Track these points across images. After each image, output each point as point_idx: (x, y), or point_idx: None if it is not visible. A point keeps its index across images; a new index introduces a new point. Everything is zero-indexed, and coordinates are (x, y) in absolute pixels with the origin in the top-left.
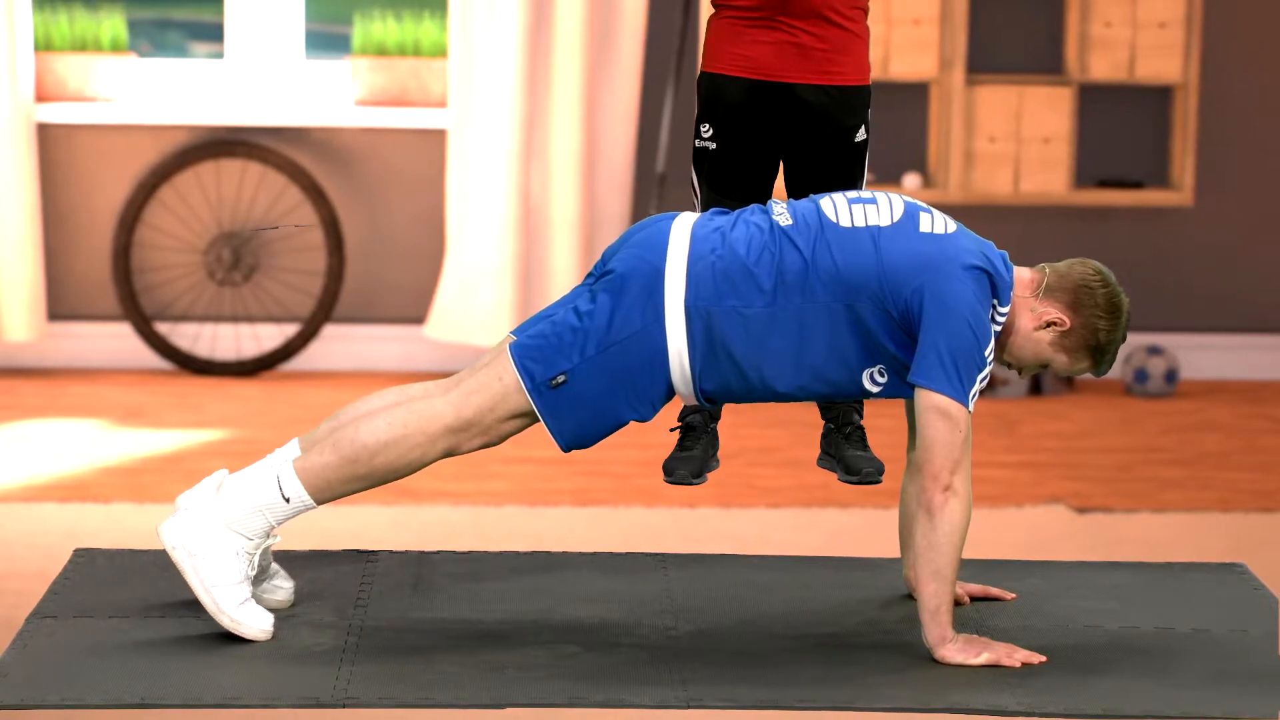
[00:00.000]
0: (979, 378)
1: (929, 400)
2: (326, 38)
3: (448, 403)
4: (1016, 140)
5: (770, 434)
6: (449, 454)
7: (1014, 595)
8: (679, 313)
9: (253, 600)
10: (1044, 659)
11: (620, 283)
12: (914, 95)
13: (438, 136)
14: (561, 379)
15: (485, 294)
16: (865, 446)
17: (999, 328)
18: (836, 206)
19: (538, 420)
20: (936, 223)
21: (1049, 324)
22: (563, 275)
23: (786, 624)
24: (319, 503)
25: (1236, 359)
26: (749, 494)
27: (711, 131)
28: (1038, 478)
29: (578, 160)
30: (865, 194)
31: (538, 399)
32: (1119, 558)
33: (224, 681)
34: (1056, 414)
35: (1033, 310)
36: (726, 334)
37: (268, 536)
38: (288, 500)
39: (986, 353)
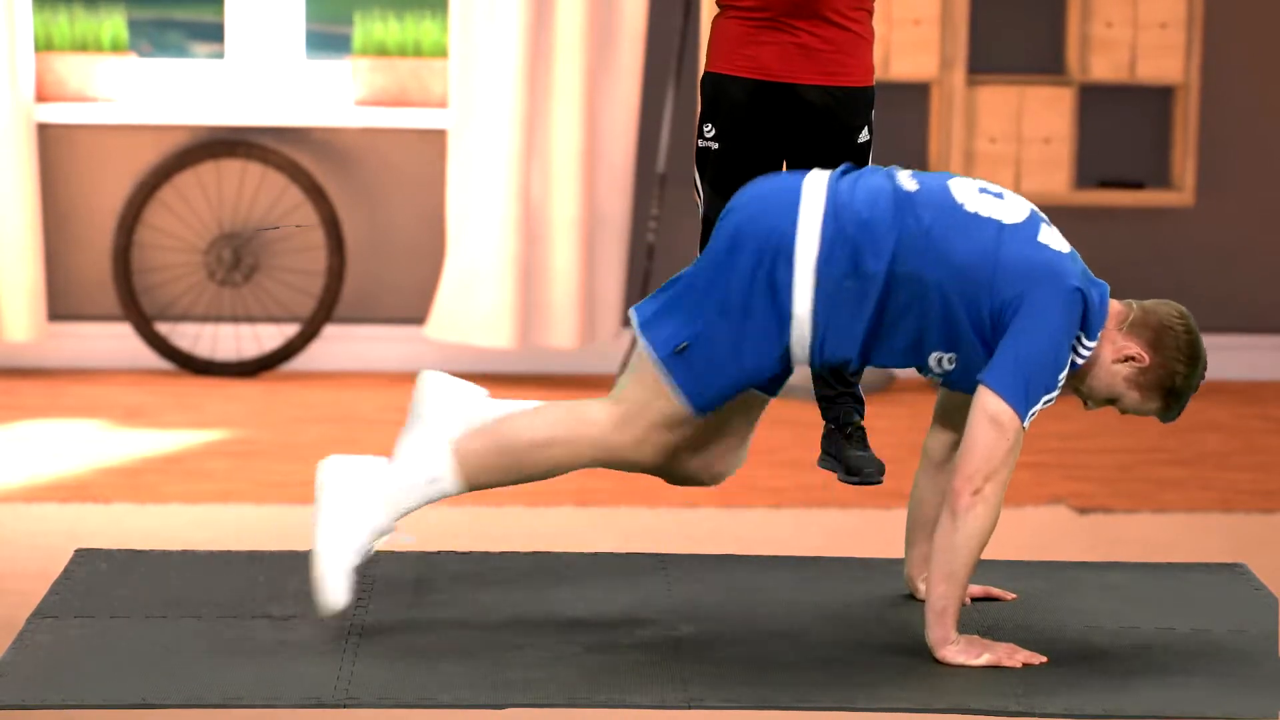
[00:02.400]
0: (1044, 398)
1: (989, 403)
2: (327, 38)
3: (602, 407)
4: (1017, 140)
5: (771, 434)
6: (599, 463)
7: (1014, 595)
8: (808, 278)
9: (350, 576)
10: (1044, 659)
11: (740, 243)
12: (914, 95)
13: (438, 137)
14: (684, 345)
15: (486, 294)
16: (866, 447)
17: (1079, 360)
18: (965, 190)
19: (687, 424)
20: (1054, 238)
21: (1128, 358)
22: (563, 275)
23: (787, 624)
24: (465, 486)
25: (1237, 359)
26: (749, 494)
27: (714, 131)
28: (1039, 478)
29: (578, 160)
30: (993, 187)
31: (665, 367)
32: (1120, 558)
33: (225, 681)
34: (1058, 414)
35: (1114, 343)
36: (849, 300)
37: (397, 526)
38: (435, 480)
39: (1060, 378)
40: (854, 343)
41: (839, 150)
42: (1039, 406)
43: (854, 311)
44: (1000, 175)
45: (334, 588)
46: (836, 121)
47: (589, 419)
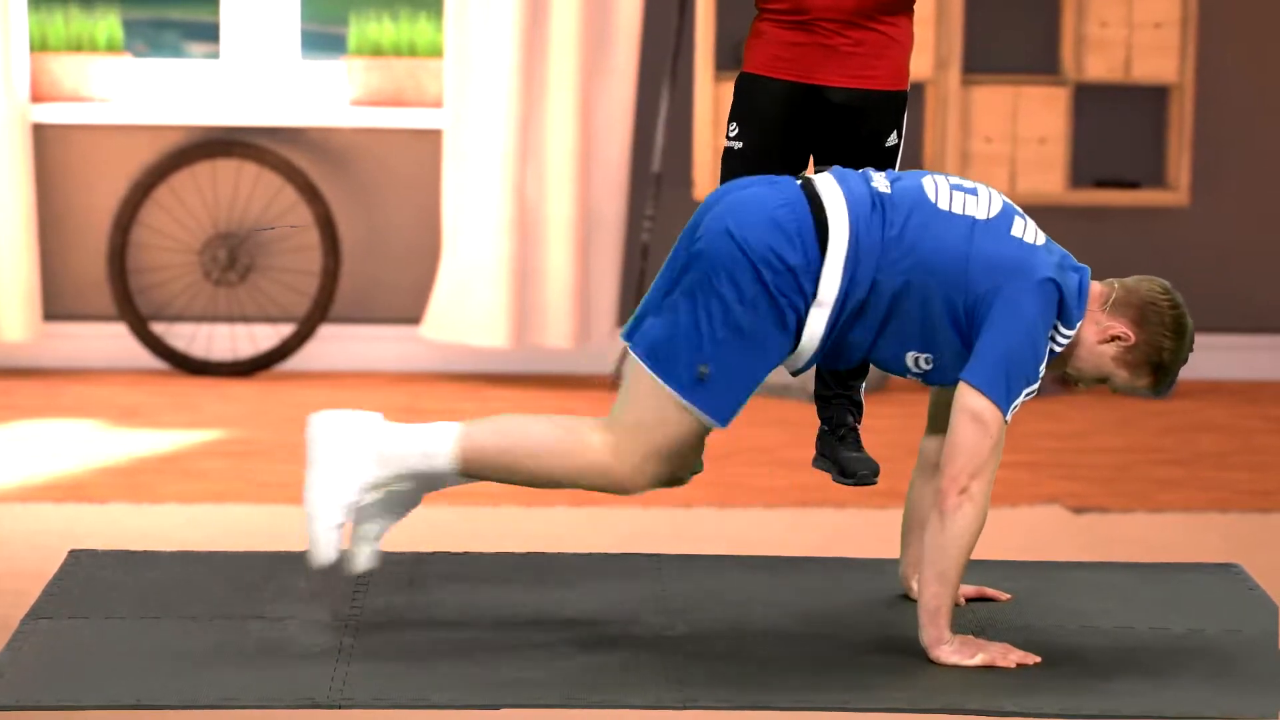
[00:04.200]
0: (1025, 391)
1: (969, 401)
2: (322, 38)
3: (601, 437)
4: (1012, 140)
5: (766, 434)
6: (593, 488)
7: (1009, 596)
8: (828, 306)
9: (339, 531)
10: (1039, 660)
11: (744, 258)
12: (910, 95)
13: (433, 137)
14: (705, 370)
15: (481, 294)
16: (860, 448)
17: (1058, 348)
18: (938, 188)
19: (687, 453)
20: (1028, 230)
21: (1114, 338)
22: (558, 275)
23: (782, 624)
24: (461, 474)
25: (1233, 359)
26: (744, 494)
27: (737, 130)
28: (1034, 478)
29: (573, 160)
30: (967, 183)
31: (691, 396)
32: (1116, 558)
33: (220, 682)
34: (1053, 414)
35: (1099, 324)
36: (852, 313)
37: (397, 483)
38: (432, 455)
39: (1039, 369)
40: (849, 353)
41: (865, 153)
42: (1020, 400)
43: (850, 322)
44: (995, 175)
45: (324, 542)
46: (863, 124)
47: (591, 445)
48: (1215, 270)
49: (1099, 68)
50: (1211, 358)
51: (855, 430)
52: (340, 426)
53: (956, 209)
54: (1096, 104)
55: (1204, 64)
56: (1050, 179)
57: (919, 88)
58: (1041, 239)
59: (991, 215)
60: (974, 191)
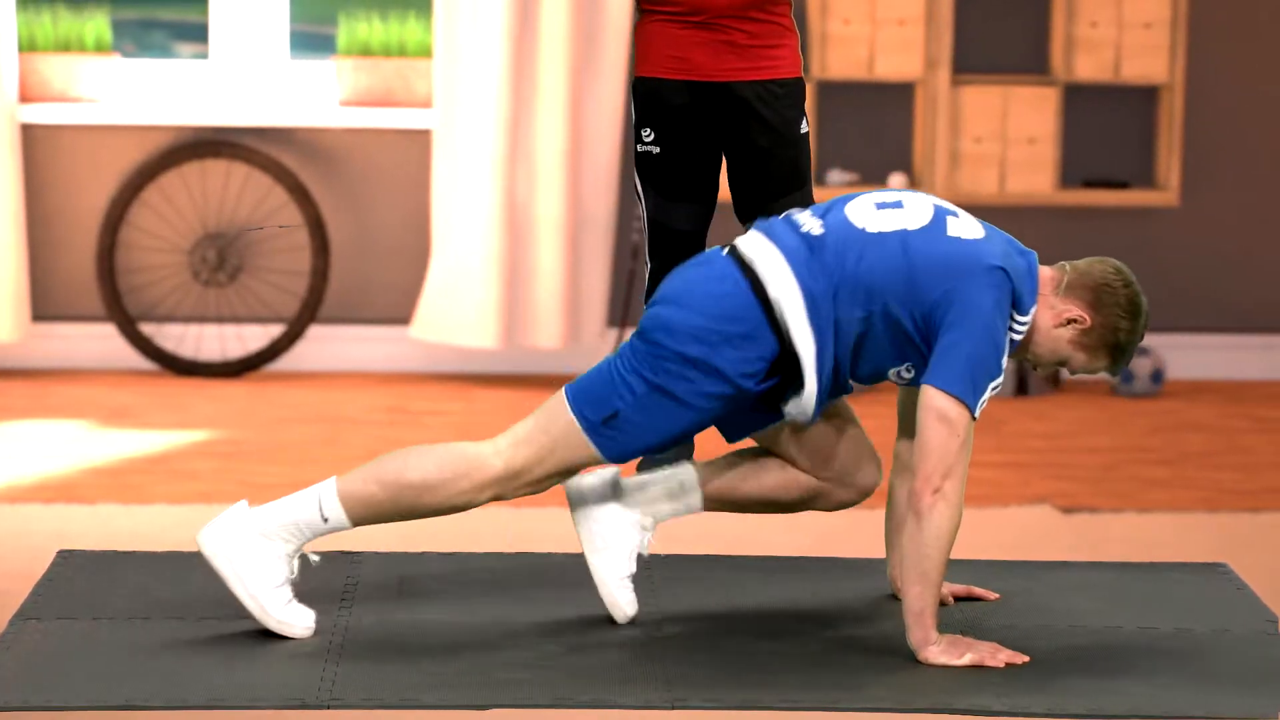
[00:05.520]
0: (991, 385)
1: (934, 401)
2: (311, 38)
3: (497, 454)
4: (1002, 140)
5: None
6: (496, 499)
7: (997, 595)
8: (811, 382)
9: (294, 601)
10: (1027, 659)
11: (697, 358)
12: (899, 95)
13: (423, 137)
14: (613, 416)
15: (470, 294)
16: None
17: (1016, 336)
18: (864, 212)
19: (578, 471)
20: (965, 226)
21: (1069, 321)
22: (548, 275)
23: (771, 625)
24: (355, 525)
25: (1222, 359)
26: None
27: (653, 135)
28: (1023, 478)
29: (563, 160)
30: (891, 197)
31: (594, 436)
32: (1105, 558)
33: (208, 683)
34: (1042, 414)
35: (1053, 308)
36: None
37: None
38: (325, 520)
39: (1002, 362)
40: (838, 389)
41: (779, 143)
42: (987, 395)
43: (834, 361)
44: (985, 175)
45: (291, 621)
46: (775, 115)
47: (484, 462)
48: (1204, 270)
49: (1089, 68)
50: (1200, 357)
51: None
52: (227, 531)
53: (886, 227)
54: (1086, 104)
55: (1194, 64)
56: (1040, 179)
57: (908, 88)
58: (981, 231)
59: (924, 223)
60: (899, 205)
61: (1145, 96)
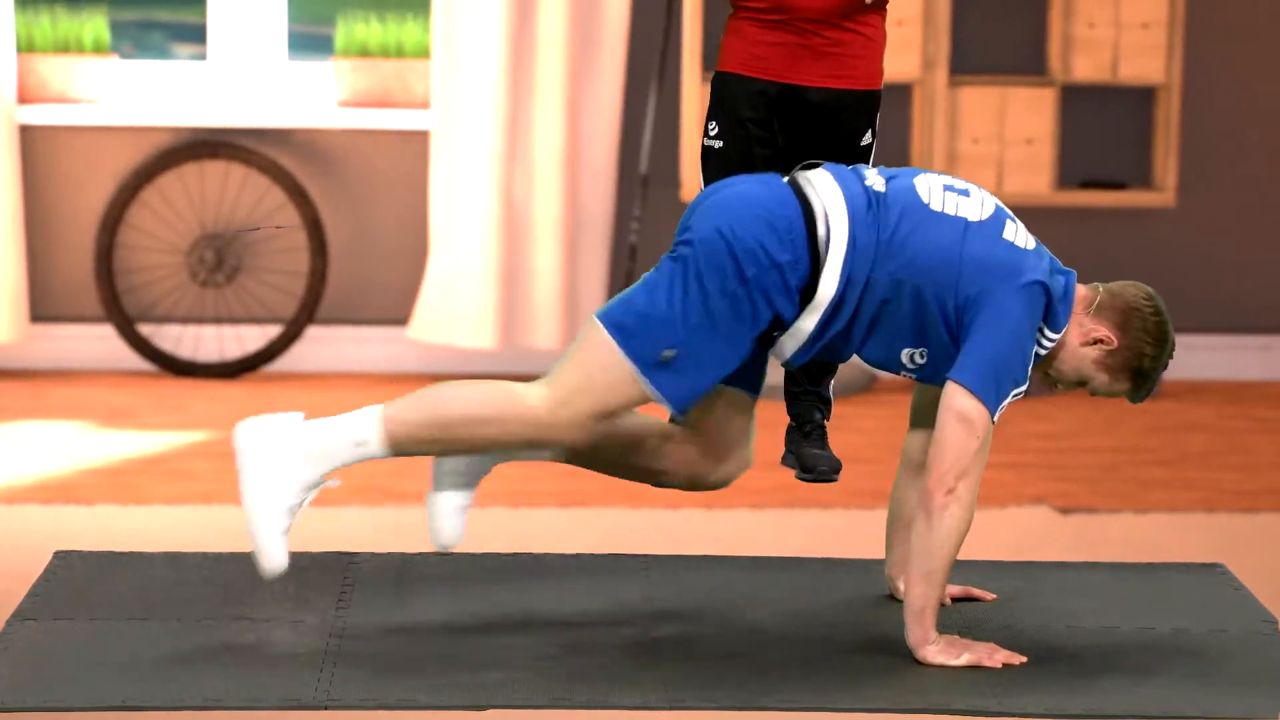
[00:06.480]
0: (1013, 392)
1: (957, 400)
2: (309, 39)
3: (539, 392)
4: (999, 141)
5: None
6: (530, 444)
7: (994, 596)
8: (825, 303)
9: (285, 536)
10: (1025, 659)
11: (730, 255)
12: (897, 96)
13: (421, 138)
14: (669, 354)
15: (468, 295)
16: (824, 445)
17: (1043, 350)
18: (931, 188)
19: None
20: (1019, 234)
21: (1096, 341)
22: (546, 276)
23: (769, 625)
24: (391, 452)
25: (1219, 359)
26: (731, 495)
27: (717, 130)
28: (1022, 478)
29: (561, 161)
30: (959, 183)
31: (651, 376)
32: (1102, 558)
33: (206, 684)
34: (1041, 415)
35: (1082, 326)
36: (845, 309)
37: (326, 479)
38: (362, 443)
39: (1027, 370)
40: (840, 350)
41: (840, 152)
42: (1008, 401)
43: (843, 320)
44: (982, 176)
45: (271, 550)
46: (839, 124)
47: (526, 401)
48: (1201, 271)
49: (1086, 68)
50: (1197, 358)
51: (822, 427)
52: (263, 432)
53: (949, 210)
54: (1083, 105)
55: (1191, 65)
56: (1037, 180)
57: (906, 88)
58: (1032, 243)
59: (984, 217)
60: (966, 193)
61: (1143, 97)
